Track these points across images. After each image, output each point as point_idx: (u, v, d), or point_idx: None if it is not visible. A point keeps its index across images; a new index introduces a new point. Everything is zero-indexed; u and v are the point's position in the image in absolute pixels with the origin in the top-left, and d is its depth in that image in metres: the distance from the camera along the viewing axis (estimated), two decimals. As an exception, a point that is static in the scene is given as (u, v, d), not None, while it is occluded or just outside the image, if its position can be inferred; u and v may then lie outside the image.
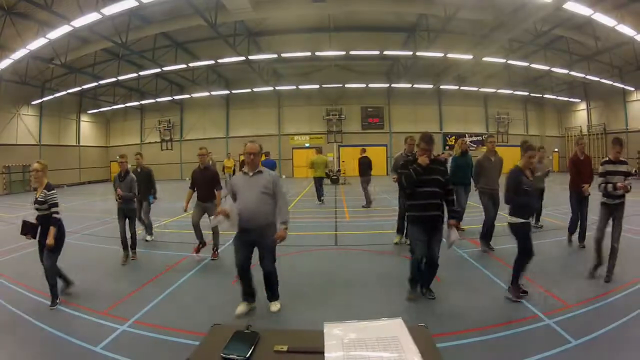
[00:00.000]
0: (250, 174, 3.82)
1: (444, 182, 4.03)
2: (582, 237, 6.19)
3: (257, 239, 3.78)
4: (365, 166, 11.40)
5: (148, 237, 7.39)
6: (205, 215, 6.07)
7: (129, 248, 6.03)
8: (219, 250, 6.21)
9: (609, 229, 4.68)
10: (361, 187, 11.48)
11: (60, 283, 4.44)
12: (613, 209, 4.65)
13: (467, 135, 27.03)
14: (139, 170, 7.18)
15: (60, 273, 4.50)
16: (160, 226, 9.02)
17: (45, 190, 4.18)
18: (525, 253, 4.12)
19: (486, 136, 6.79)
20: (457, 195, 7.20)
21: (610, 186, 4.51)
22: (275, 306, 4.01)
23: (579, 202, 6.14)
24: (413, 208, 4.10)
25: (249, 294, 3.95)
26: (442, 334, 3.27)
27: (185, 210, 6.27)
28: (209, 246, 6.22)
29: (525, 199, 4.09)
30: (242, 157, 15.27)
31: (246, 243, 3.82)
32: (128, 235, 6.07)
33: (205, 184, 6.07)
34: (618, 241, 4.60)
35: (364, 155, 11.63)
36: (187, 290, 4.79)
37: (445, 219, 4.13)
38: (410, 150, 6.31)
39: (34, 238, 4.24)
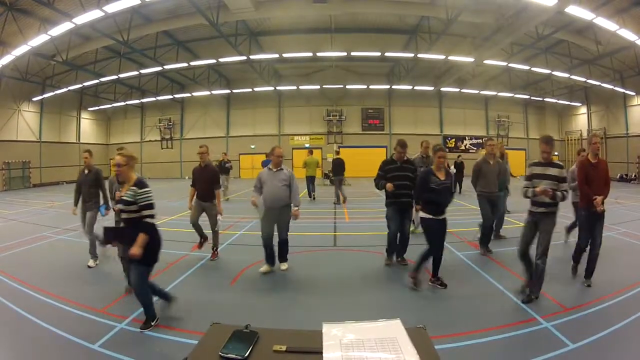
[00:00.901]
0: (274, 170, 5.27)
1: (412, 177, 5.27)
2: (589, 272, 4.59)
3: (277, 216, 5.23)
4: (339, 167, 12.37)
5: (91, 262, 5.66)
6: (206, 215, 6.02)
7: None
8: (218, 250, 6.21)
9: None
10: (334, 185, 12.36)
11: (157, 302, 3.81)
12: (538, 219, 4.08)
13: (467, 137, 27.09)
14: (86, 171, 5.90)
15: (155, 289, 3.75)
16: (161, 225, 9.01)
17: (134, 188, 3.43)
18: (430, 247, 4.52)
19: (485, 139, 6.71)
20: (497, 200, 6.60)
21: (530, 191, 4.05)
22: (284, 266, 5.44)
23: (589, 220, 4.53)
24: (390, 196, 5.32)
25: (270, 259, 5.33)
26: (441, 336, 3.27)
27: (190, 209, 6.18)
28: (208, 247, 6.19)
29: (432, 196, 4.50)
30: (226, 157, 14.91)
31: (270, 220, 5.24)
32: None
33: (205, 182, 6.01)
34: (542, 258, 4.00)
35: (338, 157, 12.60)
36: (186, 288, 4.78)
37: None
38: (425, 153, 6.89)
39: (122, 244, 3.60)
